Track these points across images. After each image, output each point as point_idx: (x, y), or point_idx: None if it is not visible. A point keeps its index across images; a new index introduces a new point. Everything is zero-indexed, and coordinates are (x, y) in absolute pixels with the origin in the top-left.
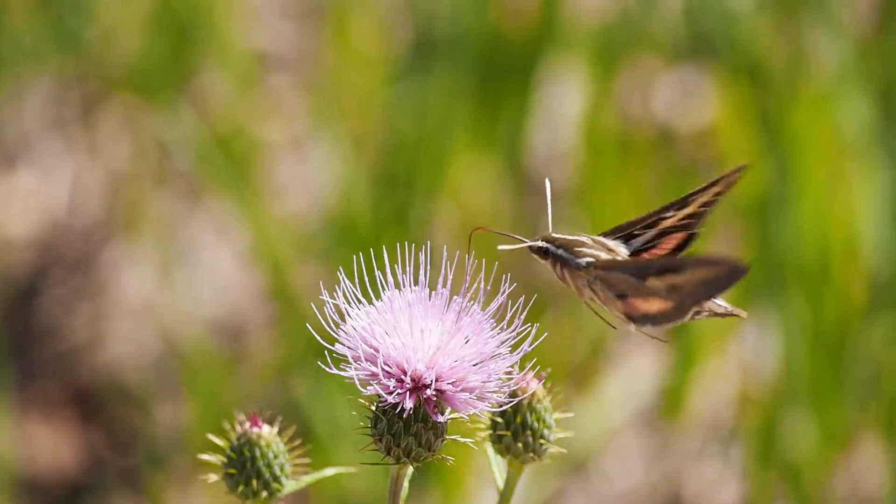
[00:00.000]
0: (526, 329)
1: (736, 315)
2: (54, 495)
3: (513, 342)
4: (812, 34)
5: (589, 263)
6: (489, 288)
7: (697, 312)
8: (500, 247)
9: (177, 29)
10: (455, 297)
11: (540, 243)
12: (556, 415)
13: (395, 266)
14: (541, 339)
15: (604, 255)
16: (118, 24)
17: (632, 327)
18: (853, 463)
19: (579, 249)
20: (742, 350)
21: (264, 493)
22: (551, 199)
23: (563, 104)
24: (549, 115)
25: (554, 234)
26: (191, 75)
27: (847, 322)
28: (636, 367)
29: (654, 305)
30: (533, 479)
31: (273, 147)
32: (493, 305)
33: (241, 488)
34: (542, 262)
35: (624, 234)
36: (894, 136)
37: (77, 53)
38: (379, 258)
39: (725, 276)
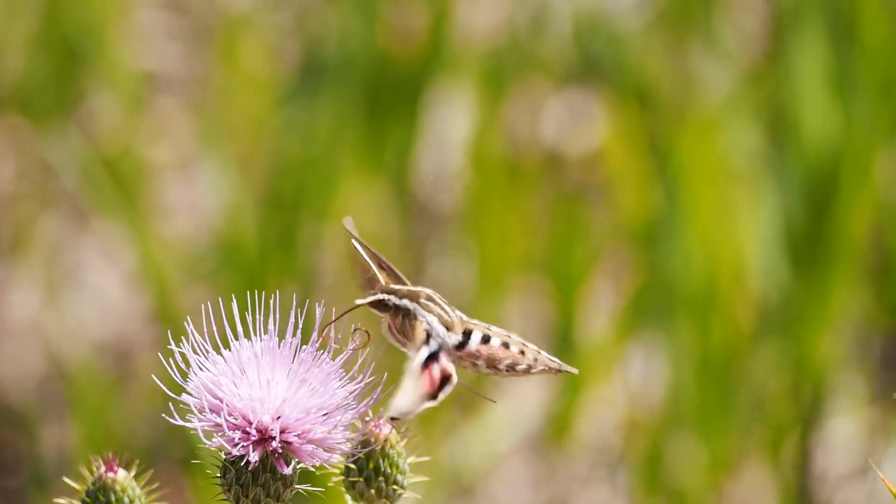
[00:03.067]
0: (374, 379)
1: (567, 371)
2: None
3: (361, 392)
4: (700, 60)
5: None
6: (340, 336)
7: (532, 367)
8: (358, 300)
9: (63, 49)
10: (305, 346)
11: (380, 296)
12: (412, 459)
13: (245, 314)
14: (391, 389)
15: (446, 316)
16: (3, 43)
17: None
18: (739, 488)
19: (426, 302)
20: (629, 375)
21: None
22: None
23: (452, 127)
24: (438, 138)
25: (392, 286)
26: (78, 96)
27: (734, 348)
28: (523, 392)
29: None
30: None
31: (160, 169)
32: (343, 356)
33: None
34: (381, 315)
35: None
36: (781, 163)
37: None
38: (227, 306)
39: None
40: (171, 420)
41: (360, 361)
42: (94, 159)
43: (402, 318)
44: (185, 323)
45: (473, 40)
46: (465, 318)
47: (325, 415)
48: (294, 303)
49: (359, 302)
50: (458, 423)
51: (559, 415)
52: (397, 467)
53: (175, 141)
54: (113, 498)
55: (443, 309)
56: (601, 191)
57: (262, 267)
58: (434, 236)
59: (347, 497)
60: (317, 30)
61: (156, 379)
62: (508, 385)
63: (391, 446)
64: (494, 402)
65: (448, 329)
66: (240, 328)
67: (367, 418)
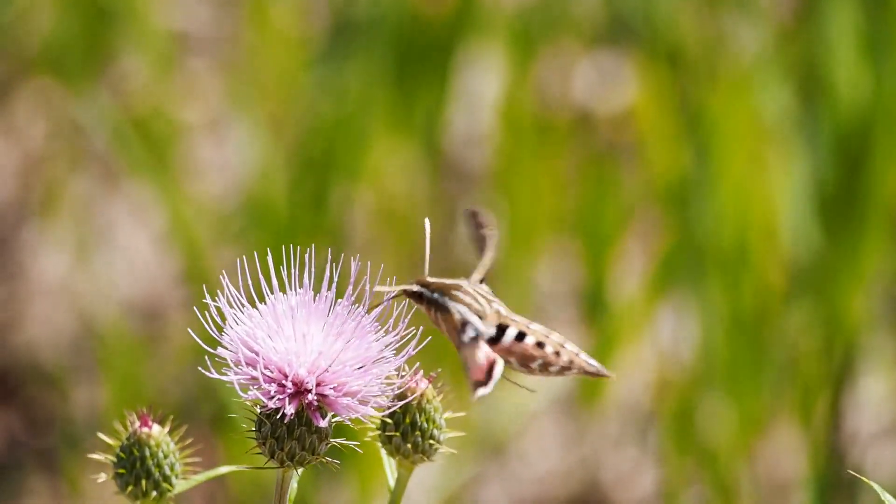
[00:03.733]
0: (411, 332)
1: (605, 376)
2: None
3: (397, 345)
4: (732, 19)
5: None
6: (376, 290)
7: (566, 369)
8: (377, 288)
9: (93, 9)
10: (340, 300)
11: (414, 287)
12: (448, 414)
13: (280, 268)
14: (426, 342)
15: (477, 305)
16: (34, 4)
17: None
18: (770, 448)
19: (456, 293)
20: (660, 335)
21: (154, 493)
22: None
23: (482, 88)
24: (468, 98)
25: (429, 279)
26: (108, 56)
27: (765, 308)
28: None
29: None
30: (450, 463)
31: (190, 129)
32: (378, 309)
33: (130, 488)
34: (417, 305)
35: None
36: (813, 122)
37: None
38: (263, 261)
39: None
40: (207, 374)
41: (395, 315)
42: (125, 120)
43: (435, 312)
44: (220, 278)
45: (504, 0)
46: (504, 311)
47: (360, 368)
48: (329, 257)
49: (390, 292)
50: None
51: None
52: (434, 422)
53: (205, 101)
54: (147, 453)
55: (477, 301)
56: (632, 151)
57: (292, 227)
58: (464, 196)
59: (383, 451)
60: None
61: (192, 333)
62: None
63: (428, 401)
64: (534, 391)
65: (481, 319)
66: (274, 283)
67: (404, 372)
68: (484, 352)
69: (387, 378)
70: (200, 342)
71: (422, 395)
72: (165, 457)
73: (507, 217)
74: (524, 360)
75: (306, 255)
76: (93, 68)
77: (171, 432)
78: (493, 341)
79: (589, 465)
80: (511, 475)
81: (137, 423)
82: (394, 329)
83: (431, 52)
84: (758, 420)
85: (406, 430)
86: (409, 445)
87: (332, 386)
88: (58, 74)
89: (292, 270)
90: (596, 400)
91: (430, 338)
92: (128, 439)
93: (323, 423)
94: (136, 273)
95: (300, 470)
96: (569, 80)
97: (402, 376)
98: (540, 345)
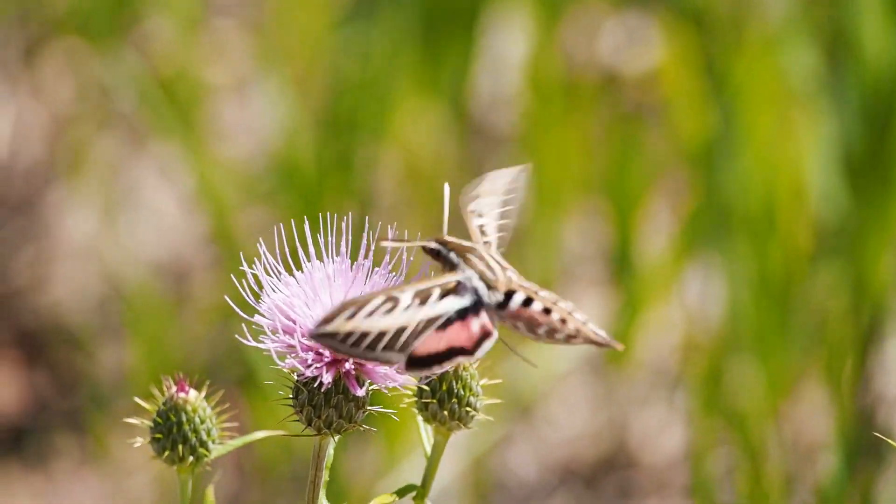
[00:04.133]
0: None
1: (612, 347)
2: None
3: None
4: None
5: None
6: (412, 259)
7: (572, 337)
8: (383, 243)
9: None
10: (377, 268)
11: (432, 244)
12: (484, 381)
13: (317, 236)
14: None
15: (489, 272)
16: None
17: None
18: (798, 410)
19: (470, 257)
20: (687, 297)
21: (190, 458)
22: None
23: (508, 49)
24: (494, 59)
25: (447, 238)
26: (134, 17)
27: (792, 269)
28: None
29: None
30: (479, 426)
31: (217, 90)
32: (415, 278)
33: (167, 453)
34: (433, 262)
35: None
36: (839, 84)
37: None
38: (300, 227)
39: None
40: (245, 341)
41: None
42: (151, 80)
43: (449, 271)
44: (254, 243)
45: None
46: (516, 278)
47: None
48: (367, 225)
49: (406, 244)
50: (518, 345)
51: (617, 336)
52: (470, 389)
53: (231, 62)
54: (184, 418)
55: (489, 268)
56: (658, 112)
57: (319, 188)
58: (491, 158)
59: (419, 419)
60: None
61: (229, 300)
62: None
63: (464, 368)
64: (536, 366)
65: (491, 287)
66: (311, 249)
67: None
68: (480, 322)
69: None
70: (238, 310)
71: None
72: (202, 422)
73: (535, 178)
74: (531, 327)
75: (343, 223)
76: (119, 29)
77: (206, 397)
78: (502, 306)
79: (616, 426)
80: (539, 437)
81: (174, 388)
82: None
83: (457, 13)
84: (785, 382)
85: (443, 397)
86: (445, 412)
87: None
88: (84, 35)
89: (329, 238)
90: (623, 361)
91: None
92: (164, 404)
93: (360, 392)
94: (163, 234)
95: (337, 437)
96: (595, 41)
97: None
98: (546, 311)
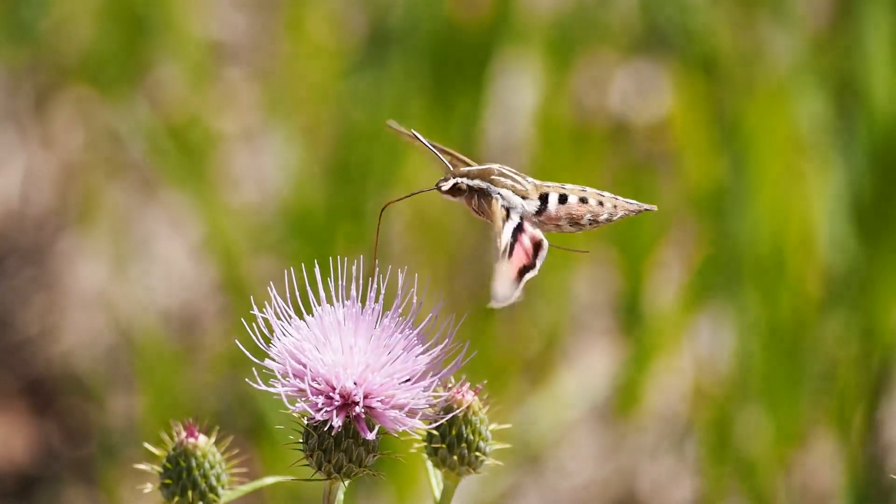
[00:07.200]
0: (457, 345)
1: (648, 209)
2: (6, 486)
3: (444, 358)
4: (767, 28)
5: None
6: (422, 302)
7: (613, 215)
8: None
9: (130, 19)
10: (388, 312)
11: (453, 180)
12: (493, 426)
13: (328, 280)
14: (472, 356)
15: (519, 185)
16: (72, 15)
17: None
18: (807, 459)
19: (496, 178)
20: (697, 345)
21: None
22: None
23: (518, 96)
24: (504, 107)
25: (462, 168)
26: (145, 66)
27: (802, 318)
28: (591, 362)
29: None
30: (488, 472)
31: (227, 138)
32: (424, 323)
33: (176, 499)
34: (454, 199)
35: None
36: (849, 132)
37: (31, 44)
38: (310, 272)
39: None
40: (255, 385)
41: (441, 329)
42: (161, 129)
43: (478, 198)
44: (265, 288)
45: (540, 9)
46: (538, 182)
47: (407, 380)
48: (377, 269)
49: (437, 188)
50: (527, 393)
51: (627, 385)
52: (479, 434)
53: (241, 111)
54: (194, 463)
55: (515, 180)
56: (668, 160)
57: (330, 236)
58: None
59: (429, 463)
60: None
61: (240, 345)
62: (576, 355)
63: (473, 413)
64: (587, 251)
65: (523, 198)
66: (321, 294)
67: (450, 384)
68: (529, 234)
69: (434, 390)
70: (249, 354)
71: (468, 407)
72: (212, 467)
73: None
74: (573, 221)
75: (353, 267)
76: (130, 77)
77: (216, 443)
78: (539, 212)
79: (625, 475)
80: (548, 485)
81: (183, 434)
82: (440, 343)
83: (467, 61)
84: (795, 430)
85: (452, 441)
86: (455, 457)
87: (379, 398)
88: (95, 84)
89: (339, 282)
90: (632, 410)
91: (475, 352)
92: (174, 449)
93: (370, 436)
94: (173, 283)
95: (346, 482)
96: (605, 89)
97: (449, 388)
98: (583, 200)
